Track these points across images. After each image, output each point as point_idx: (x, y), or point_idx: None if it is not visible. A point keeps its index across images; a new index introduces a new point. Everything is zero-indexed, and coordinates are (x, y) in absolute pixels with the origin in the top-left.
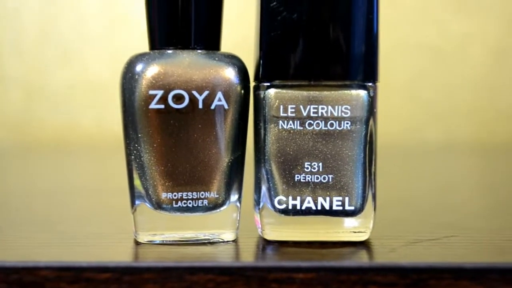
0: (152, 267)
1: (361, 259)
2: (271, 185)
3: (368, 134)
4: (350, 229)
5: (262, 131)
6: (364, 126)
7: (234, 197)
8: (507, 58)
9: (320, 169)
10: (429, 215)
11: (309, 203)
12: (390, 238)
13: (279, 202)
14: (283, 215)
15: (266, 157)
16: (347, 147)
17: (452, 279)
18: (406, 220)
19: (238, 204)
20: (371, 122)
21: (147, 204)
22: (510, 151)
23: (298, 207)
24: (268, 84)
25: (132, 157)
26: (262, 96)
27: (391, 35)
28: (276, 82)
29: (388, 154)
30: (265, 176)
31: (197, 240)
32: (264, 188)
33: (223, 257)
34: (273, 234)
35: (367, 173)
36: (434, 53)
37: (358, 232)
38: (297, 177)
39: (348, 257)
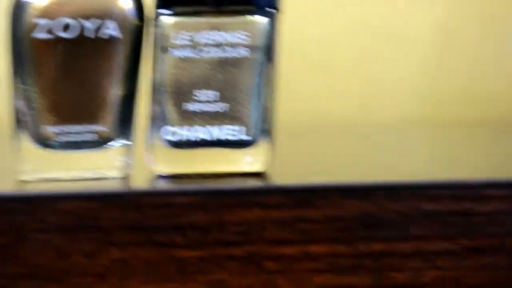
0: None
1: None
2: (163, 116)
3: (268, 63)
4: (245, 160)
5: (156, 60)
6: (263, 55)
7: (126, 133)
8: (455, 38)
9: (215, 98)
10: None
11: (200, 132)
12: (286, 170)
13: (172, 133)
14: (176, 148)
15: (159, 88)
16: (244, 76)
17: (339, 198)
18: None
19: (130, 141)
20: (271, 51)
21: (32, 140)
22: (457, 127)
23: (191, 138)
24: (164, 11)
25: (18, 90)
26: (155, 24)
27: (337, 16)
28: (172, 9)
29: (333, 132)
30: (158, 108)
31: (85, 178)
32: (156, 120)
33: (100, 185)
34: (166, 167)
35: (264, 105)
36: (380, 33)
37: (253, 163)
38: (190, 106)
39: (231, 182)
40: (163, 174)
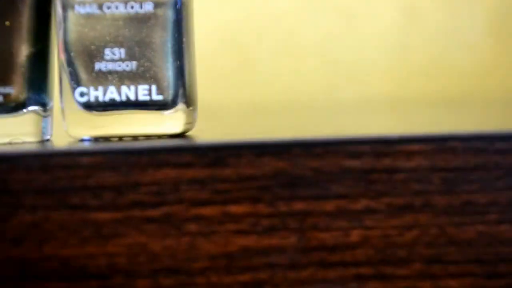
0: None
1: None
2: (72, 77)
3: (179, 20)
4: (161, 122)
5: (60, 18)
6: (173, 11)
7: (38, 96)
8: (418, 16)
9: (123, 56)
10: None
11: (112, 93)
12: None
13: (81, 94)
14: (90, 110)
15: (66, 47)
16: (152, 33)
17: (253, 156)
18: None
19: (46, 104)
20: (183, 7)
21: None
22: (423, 105)
23: (101, 99)
24: None
25: None
26: None
27: None
28: None
29: (300, 113)
30: (66, 69)
31: None
32: (65, 82)
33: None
34: (82, 131)
35: (180, 65)
36: (343, 13)
37: (172, 126)
38: (98, 66)
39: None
40: (83, 138)
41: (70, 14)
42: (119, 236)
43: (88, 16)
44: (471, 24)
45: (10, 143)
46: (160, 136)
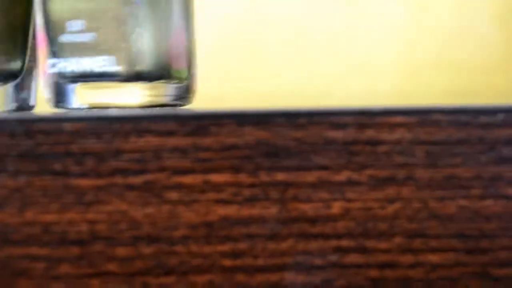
0: None
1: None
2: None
3: None
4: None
5: None
6: None
7: (15, 64)
8: (426, 11)
9: (83, 28)
10: None
11: (74, 65)
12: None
13: (51, 66)
14: (60, 80)
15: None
16: (109, 4)
17: (234, 125)
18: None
19: (26, 74)
20: None
21: None
22: (431, 100)
23: (68, 69)
24: None
25: None
26: None
27: None
28: None
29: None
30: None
31: None
32: (38, 55)
33: None
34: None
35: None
36: (351, 8)
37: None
38: (62, 38)
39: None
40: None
41: None
42: (100, 203)
43: None
44: (480, 19)
45: None
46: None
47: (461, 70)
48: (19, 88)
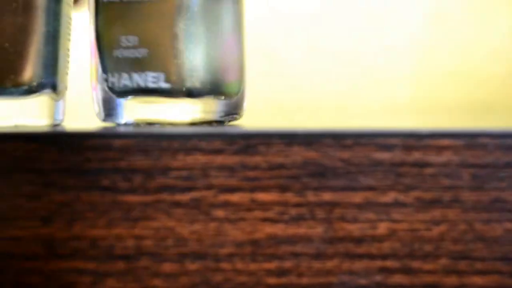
0: None
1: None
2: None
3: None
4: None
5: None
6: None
7: (54, 79)
8: (443, 21)
9: (136, 43)
10: None
11: (127, 80)
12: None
13: (105, 81)
14: (116, 96)
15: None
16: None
17: (283, 145)
18: None
19: (55, 87)
20: None
21: None
22: (447, 110)
23: (119, 84)
24: None
25: None
26: None
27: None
28: None
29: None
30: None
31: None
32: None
33: (37, 129)
34: (108, 116)
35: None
36: (371, 17)
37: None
38: (114, 53)
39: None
40: (107, 123)
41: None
42: (147, 219)
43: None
44: (496, 30)
45: (16, 126)
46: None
47: (478, 80)
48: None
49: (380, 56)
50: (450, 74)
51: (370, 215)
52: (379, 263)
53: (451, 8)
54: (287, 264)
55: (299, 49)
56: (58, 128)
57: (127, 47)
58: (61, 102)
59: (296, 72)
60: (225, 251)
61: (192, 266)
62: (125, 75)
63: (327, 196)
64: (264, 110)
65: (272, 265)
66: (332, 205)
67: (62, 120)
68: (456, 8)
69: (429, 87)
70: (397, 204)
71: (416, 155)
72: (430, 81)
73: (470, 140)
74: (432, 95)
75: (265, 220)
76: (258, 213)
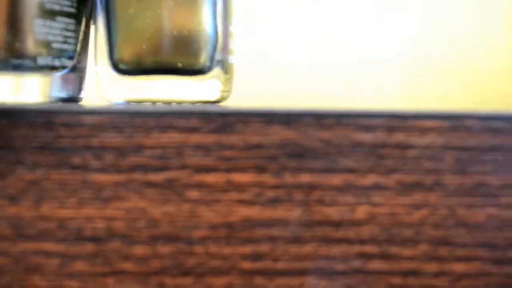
0: None
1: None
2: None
3: None
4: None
5: None
6: None
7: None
8: (438, 16)
9: None
10: None
11: None
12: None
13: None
14: (125, 74)
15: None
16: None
17: (261, 123)
18: None
19: (77, 65)
20: None
21: None
22: (443, 105)
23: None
24: None
25: None
26: None
27: None
28: None
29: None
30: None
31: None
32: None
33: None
34: (116, 95)
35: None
36: (370, 12)
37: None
38: None
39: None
40: (117, 102)
41: None
42: (119, 200)
43: None
44: (492, 25)
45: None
46: (194, 103)
47: (474, 75)
48: (65, 80)
49: (375, 50)
50: (445, 68)
51: (349, 198)
52: (357, 248)
53: (447, 2)
54: (263, 248)
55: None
56: (29, 104)
57: None
58: (79, 80)
59: (294, 63)
60: (198, 233)
61: (164, 249)
62: None
63: (305, 178)
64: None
65: (247, 249)
66: (310, 187)
67: (80, 99)
68: (452, 2)
69: (424, 81)
70: (377, 187)
71: (399, 136)
72: (424, 75)
73: (454, 121)
74: (427, 89)
75: (241, 202)
76: (233, 195)
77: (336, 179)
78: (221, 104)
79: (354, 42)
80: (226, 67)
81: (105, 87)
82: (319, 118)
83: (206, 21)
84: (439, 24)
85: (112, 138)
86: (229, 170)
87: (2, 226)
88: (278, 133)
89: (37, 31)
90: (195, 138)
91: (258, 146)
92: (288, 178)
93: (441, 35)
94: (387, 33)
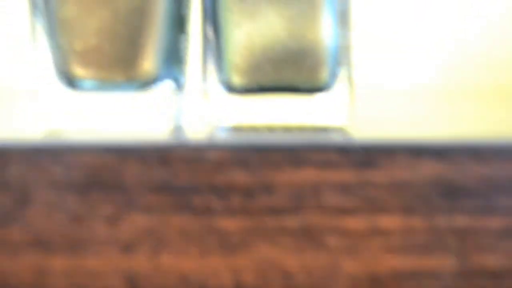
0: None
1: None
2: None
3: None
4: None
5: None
6: None
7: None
8: (473, 7)
9: None
10: None
11: None
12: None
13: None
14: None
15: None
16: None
17: (410, 157)
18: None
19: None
20: None
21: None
22: (478, 97)
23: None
24: None
25: None
26: None
27: None
28: None
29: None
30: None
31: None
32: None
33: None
34: (226, 117)
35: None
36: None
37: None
38: None
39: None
40: (224, 126)
41: None
42: (248, 248)
43: None
44: None
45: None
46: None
47: (507, 67)
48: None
49: (409, 41)
50: (479, 59)
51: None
52: None
53: None
54: None
55: None
56: (142, 137)
57: None
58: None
59: None
60: (339, 286)
61: None
62: None
63: (460, 221)
64: None
65: None
66: (466, 231)
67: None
68: None
69: (458, 72)
70: None
71: None
72: (459, 67)
73: None
74: (462, 80)
75: (388, 250)
76: (378, 242)
77: (496, 222)
78: (350, 131)
79: (389, 32)
80: (350, 84)
81: (213, 108)
82: (476, 151)
83: (326, 31)
84: (473, 15)
85: (238, 176)
86: (373, 212)
87: (115, 281)
88: (429, 169)
89: None
90: (334, 175)
91: (406, 184)
92: (441, 221)
93: (475, 26)
94: (421, 25)
